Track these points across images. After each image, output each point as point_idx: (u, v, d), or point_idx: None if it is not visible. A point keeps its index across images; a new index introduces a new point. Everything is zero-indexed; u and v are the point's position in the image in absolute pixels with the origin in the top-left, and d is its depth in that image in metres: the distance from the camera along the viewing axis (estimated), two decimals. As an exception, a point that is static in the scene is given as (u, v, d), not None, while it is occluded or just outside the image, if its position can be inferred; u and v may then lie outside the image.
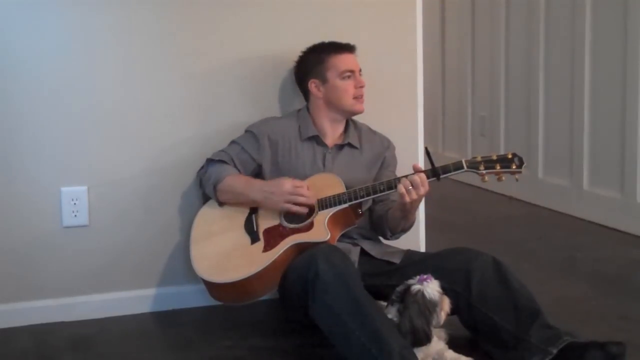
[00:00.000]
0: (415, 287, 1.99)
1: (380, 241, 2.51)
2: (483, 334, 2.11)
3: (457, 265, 2.16)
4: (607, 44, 3.75)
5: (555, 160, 4.25)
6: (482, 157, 2.20)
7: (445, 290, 2.04)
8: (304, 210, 2.27)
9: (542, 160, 4.35)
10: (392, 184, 2.21)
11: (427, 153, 2.22)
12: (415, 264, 2.26)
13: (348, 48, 2.47)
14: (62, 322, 2.49)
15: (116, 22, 2.52)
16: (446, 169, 2.19)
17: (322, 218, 2.24)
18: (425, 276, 2.00)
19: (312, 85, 2.48)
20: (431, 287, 1.99)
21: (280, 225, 2.29)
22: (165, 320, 2.55)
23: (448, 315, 2.03)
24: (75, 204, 2.51)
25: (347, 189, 2.28)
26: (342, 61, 2.44)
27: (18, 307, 2.49)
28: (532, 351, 1.97)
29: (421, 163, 2.75)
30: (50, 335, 2.40)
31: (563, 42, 4.08)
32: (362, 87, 2.45)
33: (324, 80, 2.45)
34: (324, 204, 2.26)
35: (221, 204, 2.42)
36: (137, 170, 2.58)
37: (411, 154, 2.77)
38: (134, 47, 2.55)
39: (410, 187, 2.14)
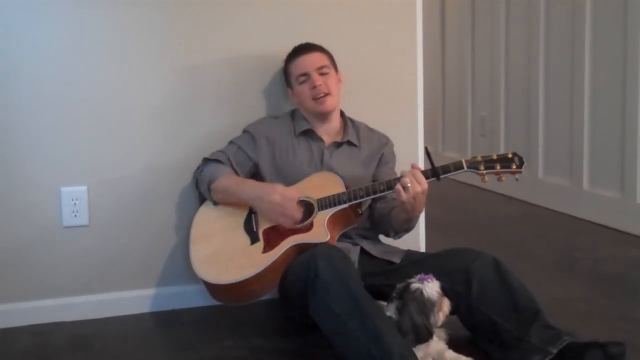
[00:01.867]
0: (415, 285, 1.99)
1: (379, 240, 2.51)
2: (483, 334, 2.11)
3: (457, 265, 2.15)
4: (607, 44, 3.75)
5: (555, 160, 4.25)
6: (482, 157, 2.20)
7: (446, 290, 2.03)
8: (289, 223, 2.26)
9: (542, 160, 4.35)
10: (392, 184, 2.20)
11: (427, 153, 2.21)
12: (415, 263, 2.25)
13: (303, 49, 2.47)
14: (62, 322, 2.49)
15: (116, 22, 2.52)
16: (446, 169, 2.18)
17: (322, 218, 2.24)
18: (426, 276, 2.00)
19: (290, 94, 2.53)
20: (430, 287, 1.98)
21: (279, 225, 2.29)
22: (165, 320, 2.55)
23: (447, 315, 2.03)
24: (75, 204, 2.51)
25: (346, 187, 2.28)
26: (296, 66, 2.46)
27: (18, 307, 2.49)
28: (532, 351, 1.96)
29: (421, 163, 2.76)
30: (50, 335, 2.40)
31: (563, 42, 4.08)
32: (316, 86, 2.40)
33: (292, 87, 2.50)
34: (324, 204, 2.25)
35: (216, 203, 2.42)
36: (137, 170, 2.58)
37: (411, 154, 2.77)
38: (134, 49, 2.55)
39: (409, 185, 2.13)
